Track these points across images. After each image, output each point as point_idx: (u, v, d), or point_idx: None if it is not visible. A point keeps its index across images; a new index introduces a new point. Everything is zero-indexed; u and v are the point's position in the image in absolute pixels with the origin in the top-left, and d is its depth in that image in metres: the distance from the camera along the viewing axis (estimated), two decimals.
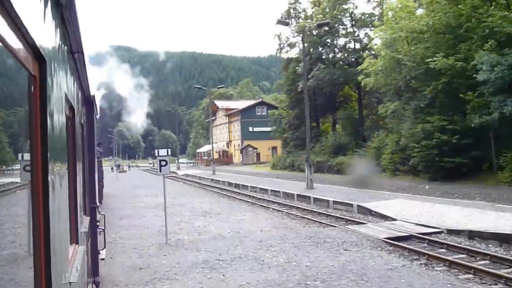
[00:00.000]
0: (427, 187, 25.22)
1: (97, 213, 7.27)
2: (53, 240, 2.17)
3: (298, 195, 23.81)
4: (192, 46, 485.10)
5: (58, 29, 2.71)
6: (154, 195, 30.18)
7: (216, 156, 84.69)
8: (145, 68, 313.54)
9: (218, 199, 26.46)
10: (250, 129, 74.06)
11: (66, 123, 3.27)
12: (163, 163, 14.46)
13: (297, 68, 48.64)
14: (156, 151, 15.04)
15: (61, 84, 2.79)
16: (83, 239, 4.79)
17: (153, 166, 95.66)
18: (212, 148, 52.89)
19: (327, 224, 16.09)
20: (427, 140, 27.11)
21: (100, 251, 7.40)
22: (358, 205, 18.61)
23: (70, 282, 2.81)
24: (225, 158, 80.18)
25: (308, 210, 19.73)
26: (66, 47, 3.28)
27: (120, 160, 64.03)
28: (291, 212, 19.37)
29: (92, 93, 6.53)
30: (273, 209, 20.77)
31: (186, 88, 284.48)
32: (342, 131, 45.02)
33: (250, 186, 31.13)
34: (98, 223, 7.16)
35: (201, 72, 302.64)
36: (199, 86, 69.83)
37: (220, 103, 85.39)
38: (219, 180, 38.64)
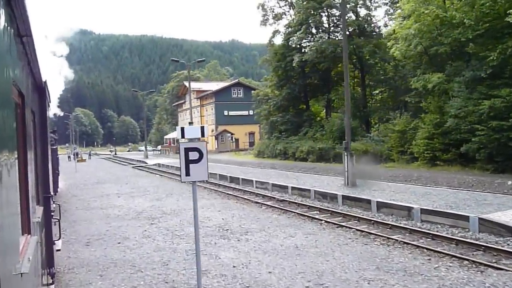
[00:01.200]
0: (509, 182, 18.49)
1: (52, 202, 6.99)
2: (1, 230, 2.17)
3: (344, 197, 16.56)
4: (152, 30, 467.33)
5: (3, 11, 2.58)
6: (128, 194, 22.41)
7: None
8: (102, 52, 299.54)
9: (223, 202, 18.90)
10: (226, 112, 66.27)
11: (15, 110, 3.36)
12: (193, 155, 6.83)
13: (292, 39, 41.13)
14: (180, 130, 7.12)
15: (7, 69, 2.67)
16: (36, 229, 4.66)
17: (115, 154, 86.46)
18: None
19: (466, 259, 8.89)
20: (496, 120, 20.38)
21: (56, 242, 7.29)
22: (481, 219, 11.44)
23: (21, 273, 2.76)
24: None
25: (388, 224, 12.48)
26: (12, 30, 3.10)
27: (78, 147, 54.96)
28: (362, 229, 12.07)
29: (44, 79, 6.25)
30: (330, 223, 13.27)
31: (146, 73, 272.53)
32: (342, 114, 37.91)
33: (256, 182, 23.66)
34: (52, 213, 6.85)
35: (161, 56, 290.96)
36: (177, 59, 61.35)
37: (190, 85, 76.77)
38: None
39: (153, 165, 45.93)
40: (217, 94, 66.07)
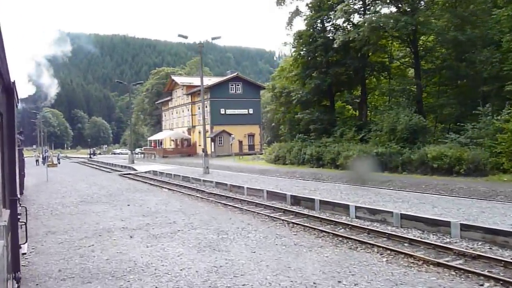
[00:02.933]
0: None
1: (18, 205, 6.87)
2: None
3: None
4: (123, 30, 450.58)
5: None
6: (143, 228, 13.17)
7: (170, 145, 66.45)
8: (71, 51, 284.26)
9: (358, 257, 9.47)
10: (222, 111, 56.47)
11: None
12: None
13: (327, 16, 31.90)
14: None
15: None
16: (2, 233, 4.57)
17: (91, 156, 75.28)
18: (205, 136, 34.71)
19: None
20: None
21: (22, 246, 7.19)
22: None
23: None
24: (187, 148, 61.94)
25: None
26: None
27: (48, 150, 43.96)
28: None
29: (12, 80, 6.14)
30: None
31: (118, 73, 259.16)
32: (404, 109, 28.52)
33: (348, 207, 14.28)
34: (19, 216, 6.72)
35: (134, 56, 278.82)
36: (185, 35, 50.07)
37: (179, 79, 66.47)
38: (242, 187, 21.31)
39: (146, 172, 35.94)
40: (213, 89, 56.24)
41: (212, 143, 54.15)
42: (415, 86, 31.77)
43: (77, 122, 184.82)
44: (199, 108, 60.01)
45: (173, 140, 66.90)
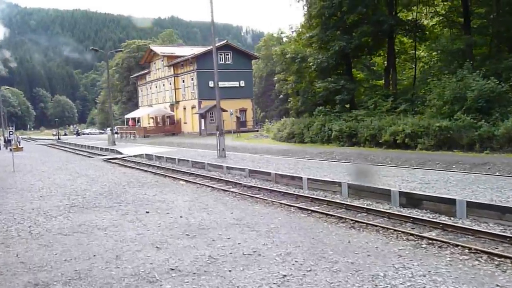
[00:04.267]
0: None
1: None
2: None
3: None
4: (84, 4, 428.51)
5: None
6: (207, 270, 6.59)
7: (149, 123, 59.42)
8: (30, 26, 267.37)
9: None
10: (211, 83, 49.61)
11: None
12: None
13: None
14: None
15: None
16: None
17: (59, 138, 67.27)
18: (219, 113, 27.55)
19: None
20: None
21: None
22: None
23: None
24: (171, 126, 54.95)
25: None
26: None
27: (14, 131, 36.33)
28: None
29: None
30: None
31: (81, 50, 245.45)
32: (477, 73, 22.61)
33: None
34: None
35: (97, 32, 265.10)
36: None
37: (159, 49, 58.74)
38: (296, 178, 15.25)
39: (137, 156, 29.35)
40: (200, 59, 49.17)
41: (203, 120, 47.44)
42: (463, 46, 26.02)
43: (39, 102, 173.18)
44: (183, 81, 52.91)
45: (152, 118, 59.70)
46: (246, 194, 13.92)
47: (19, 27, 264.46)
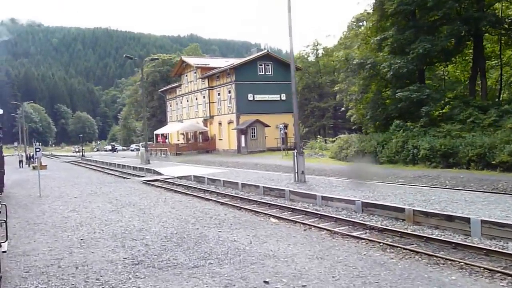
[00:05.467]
0: None
1: None
2: None
3: None
4: (105, 22, 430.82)
5: None
6: None
7: (178, 140, 55.02)
8: (52, 44, 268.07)
9: None
10: (250, 97, 45.14)
11: None
12: None
13: None
14: None
15: None
16: None
17: (83, 155, 63.17)
18: (297, 125, 22.32)
19: None
20: None
21: (2, 244, 6.79)
22: None
23: None
24: (204, 143, 50.34)
25: None
26: None
27: (34, 147, 31.87)
28: None
29: None
30: None
31: (102, 66, 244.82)
32: None
33: None
34: None
35: (117, 49, 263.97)
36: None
37: (192, 60, 54.56)
38: (444, 216, 10.35)
39: (182, 178, 24.68)
40: (238, 70, 44.74)
41: (243, 137, 42.69)
42: None
43: (60, 118, 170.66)
44: (218, 94, 48.40)
45: (182, 134, 55.20)
46: (405, 247, 8.96)
47: (41, 44, 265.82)
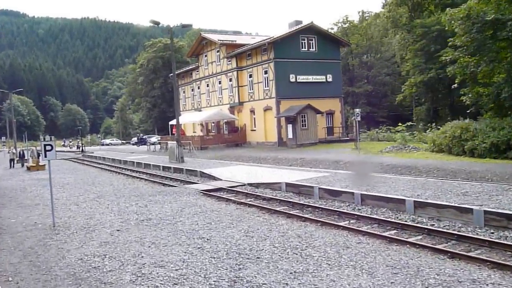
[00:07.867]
0: None
1: None
2: None
3: None
4: (93, 13, 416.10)
5: None
6: None
7: (195, 132, 46.52)
8: (38, 35, 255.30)
9: None
10: (292, 77, 36.65)
11: None
12: None
13: None
14: None
15: None
16: None
17: (83, 150, 54.09)
18: None
19: None
20: None
21: None
22: None
23: None
24: (233, 135, 41.61)
25: None
26: None
27: (42, 142, 22.46)
28: None
29: None
30: None
31: (91, 57, 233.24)
32: None
33: None
34: None
35: (107, 39, 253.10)
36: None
37: (215, 37, 45.38)
38: None
39: (259, 186, 16.23)
40: (277, 45, 36.12)
41: (290, 126, 34.09)
42: None
43: (49, 111, 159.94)
44: (250, 76, 39.70)
45: (201, 125, 46.40)
46: None
47: (26, 36, 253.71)
